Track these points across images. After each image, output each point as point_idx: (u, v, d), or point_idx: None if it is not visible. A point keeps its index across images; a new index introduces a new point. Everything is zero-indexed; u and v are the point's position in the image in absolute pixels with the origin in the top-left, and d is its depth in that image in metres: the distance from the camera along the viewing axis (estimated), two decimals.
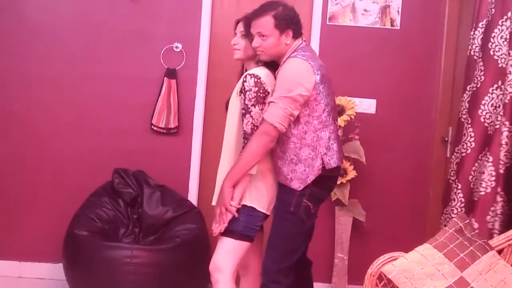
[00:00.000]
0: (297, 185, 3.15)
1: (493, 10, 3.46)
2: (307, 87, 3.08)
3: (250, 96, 3.11)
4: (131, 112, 4.69)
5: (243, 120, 3.13)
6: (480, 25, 3.59)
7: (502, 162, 3.33)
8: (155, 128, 4.65)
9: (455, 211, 3.45)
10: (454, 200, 3.47)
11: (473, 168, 3.43)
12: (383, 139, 4.72)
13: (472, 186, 3.45)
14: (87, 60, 4.66)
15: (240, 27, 3.29)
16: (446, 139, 4.57)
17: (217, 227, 3.14)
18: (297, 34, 3.24)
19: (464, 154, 3.46)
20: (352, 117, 4.39)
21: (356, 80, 4.66)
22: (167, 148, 4.70)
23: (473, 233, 2.93)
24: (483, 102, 3.47)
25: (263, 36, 3.13)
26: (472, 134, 3.43)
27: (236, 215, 3.12)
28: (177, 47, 4.65)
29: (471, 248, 2.84)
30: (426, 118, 4.71)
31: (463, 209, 3.43)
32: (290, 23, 3.18)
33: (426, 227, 4.64)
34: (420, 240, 3.02)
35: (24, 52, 4.65)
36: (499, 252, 2.94)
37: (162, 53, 4.65)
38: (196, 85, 4.68)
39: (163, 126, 4.64)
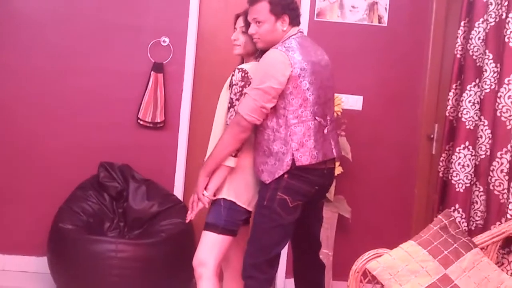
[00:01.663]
0: (265, 177, 3.12)
1: (473, 11, 3.56)
2: (280, 80, 3.03)
3: (236, 90, 3.13)
4: (117, 106, 4.68)
5: (227, 113, 3.15)
6: (462, 23, 3.67)
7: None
8: (141, 122, 4.64)
9: (478, 214, 3.42)
10: (477, 203, 3.44)
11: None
12: (369, 136, 4.73)
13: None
14: (73, 53, 4.64)
15: (240, 22, 3.28)
16: (432, 136, 4.59)
17: (188, 214, 3.19)
18: (294, 21, 3.20)
19: (483, 157, 3.43)
20: (339, 113, 4.38)
21: (343, 76, 4.56)
22: (153, 142, 4.70)
23: (457, 230, 2.94)
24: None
25: (259, 22, 3.12)
26: (491, 136, 3.40)
27: (207, 205, 3.15)
28: (164, 41, 4.64)
29: (455, 245, 2.86)
30: (412, 115, 4.72)
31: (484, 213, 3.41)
32: (286, 9, 3.15)
33: (411, 224, 4.66)
34: (405, 237, 3.02)
35: (9, 45, 4.63)
36: (483, 249, 2.95)
37: (149, 47, 4.64)
38: (183, 79, 4.68)
39: (149, 120, 4.63)
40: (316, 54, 3.20)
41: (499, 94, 3.24)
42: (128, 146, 4.67)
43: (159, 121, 4.64)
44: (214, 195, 3.18)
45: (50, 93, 4.64)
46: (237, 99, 3.11)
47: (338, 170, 4.35)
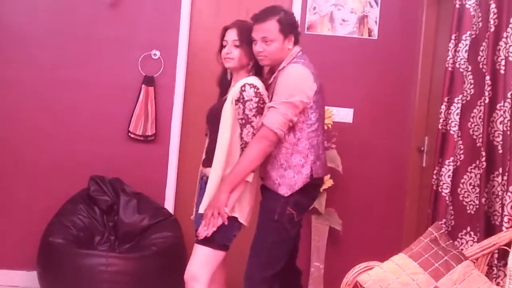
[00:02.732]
0: (284, 190, 3.15)
1: (461, 24, 3.61)
2: (308, 94, 3.11)
3: (251, 106, 3.12)
4: (108, 119, 4.66)
5: (242, 130, 3.12)
6: (453, 37, 3.69)
7: None
8: (132, 136, 4.62)
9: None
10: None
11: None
12: (360, 148, 4.72)
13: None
14: (64, 66, 4.64)
15: (231, 35, 3.26)
16: (422, 149, 4.58)
17: (204, 231, 3.07)
18: (296, 41, 3.27)
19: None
20: (329, 126, 4.37)
21: (333, 89, 4.44)
22: (144, 155, 4.67)
23: (447, 243, 2.95)
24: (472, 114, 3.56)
25: (268, 40, 3.14)
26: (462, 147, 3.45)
27: (227, 222, 3.08)
28: (155, 54, 4.64)
29: (445, 257, 2.86)
30: (403, 127, 4.71)
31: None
32: (293, 28, 3.23)
33: (402, 237, 4.65)
34: (396, 249, 3.03)
35: (0, 57, 4.62)
36: (474, 262, 2.96)
37: (140, 60, 4.63)
38: (174, 92, 4.67)
39: (140, 133, 4.62)
40: (316, 71, 3.26)
41: (491, 119, 3.28)
42: (118, 159, 4.65)
43: (150, 134, 4.62)
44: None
45: (41, 106, 4.63)
46: (254, 115, 3.11)
47: (329, 182, 4.35)
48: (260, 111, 3.13)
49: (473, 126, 3.53)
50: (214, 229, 3.06)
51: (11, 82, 4.62)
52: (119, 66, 4.66)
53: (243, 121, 3.10)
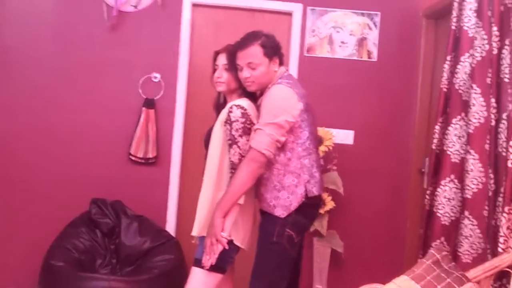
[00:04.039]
0: (280, 212, 3.13)
1: (459, 46, 3.60)
2: (293, 114, 3.09)
3: (237, 127, 3.10)
4: (109, 142, 4.65)
5: (229, 151, 3.11)
6: (448, 58, 3.70)
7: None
8: (133, 158, 4.62)
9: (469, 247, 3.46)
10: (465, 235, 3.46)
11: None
12: (360, 170, 4.72)
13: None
14: (65, 88, 4.63)
15: (222, 60, 3.28)
16: (423, 170, 4.55)
17: (208, 259, 3.05)
18: (281, 62, 3.28)
19: (475, 190, 3.43)
20: (330, 147, 4.39)
21: (334, 111, 4.67)
22: (145, 178, 4.67)
23: (450, 264, 2.92)
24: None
25: (254, 65, 3.15)
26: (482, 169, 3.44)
27: (227, 246, 3.04)
28: (155, 77, 4.65)
29: (448, 280, 2.84)
30: (403, 149, 4.72)
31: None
32: (277, 50, 3.23)
33: (403, 258, 4.63)
34: (398, 271, 3.01)
35: (0, 79, 4.63)
36: (476, 284, 2.94)
37: (140, 82, 4.64)
38: (174, 115, 4.68)
39: (141, 156, 4.61)
40: (303, 89, 3.25)
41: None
42: (120, 182, 4.64)
43: (151, 156, 4.62)
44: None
45: (43, 128, 4.63)
46: (240, 136, 3.10)
47: (330, 204, 4.38)
48: (247, 131, 3.11)
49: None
50: (216, 256, 3.03)
51: (12, 105, 4.63)
52: (120, 89, 4.66)
53: (230, 141, 3.09)
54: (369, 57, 4.74)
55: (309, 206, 3.22)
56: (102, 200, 4.51)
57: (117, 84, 4.66)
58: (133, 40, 4.68)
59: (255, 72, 3.16)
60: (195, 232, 3.21)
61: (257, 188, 3.22)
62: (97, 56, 4.65)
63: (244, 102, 3.20)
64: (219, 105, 3.42)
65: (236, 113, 3.11)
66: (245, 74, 3.17)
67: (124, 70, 4.65)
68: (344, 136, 4.73)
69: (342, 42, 4.74)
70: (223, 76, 3.26)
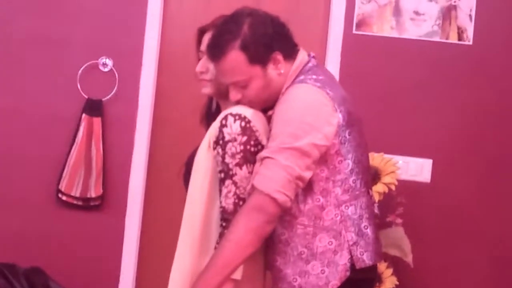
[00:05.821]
0: None
1: None
2: (325, 132, 2.38)
3: (234, 150, 2.40)
4: (25, 172, 3.81)
5: (220, 190, 2.42)
6: None
7: None
8: (64, 198, 3.75)
9: None
10: None
11: None
12: (443, 226, 3.79)
13: None
14: None
15: None
16: None
17: None
18: (290, 52, 2.51)
19: None
20: (392, 187, 3.52)
21: (399, 127, 3.78)
22: (84, 231, 3.80)
23: None
24: None
25: (242, 83, 2.47)
26: None
27: None
28: (105, 64, 3.75)
29: None
30: None
31: None
32: (273, 42, 2.48)
33: None
34: None
35: None
36: None
37: (80, 73, 3.72)
38: (134, 127, 3.79)
39: (77, 195, 3.74)
40: (342, 90, 2.56)
41: None
42: (41, 238, 3.80)
43: (93, 196, 3.77)
44: None
45: None
46: (238, 165, 2.40)
47: (391, 282, 3.54)
48: (248, 157, 2.42)
49: None
50: None
51: None
52: (45, 84, 3.79)
53: (222, 174, 2.42)
54: (460, 38, 3.77)
55: (356, 284, 2.46)
56: (11, 266, 3.69)
57: (41, 76, 3.78)
58: (70, 8, 3.81)
59: (248, 91, 2.49)
60: None
61: (270, 257, 2.53)
62: (9, 32, 3.79)
63: (247, 110, 2.50)
64: (210, 115, 2.76)
65: (234, 128, 2.42)
66: (234, 97, 2.54)
67: (55, 53, 3.78)
68: (416, 169, 3.81)
69: (416, 13, 3.80)
70: (209, 69, 2.58)
